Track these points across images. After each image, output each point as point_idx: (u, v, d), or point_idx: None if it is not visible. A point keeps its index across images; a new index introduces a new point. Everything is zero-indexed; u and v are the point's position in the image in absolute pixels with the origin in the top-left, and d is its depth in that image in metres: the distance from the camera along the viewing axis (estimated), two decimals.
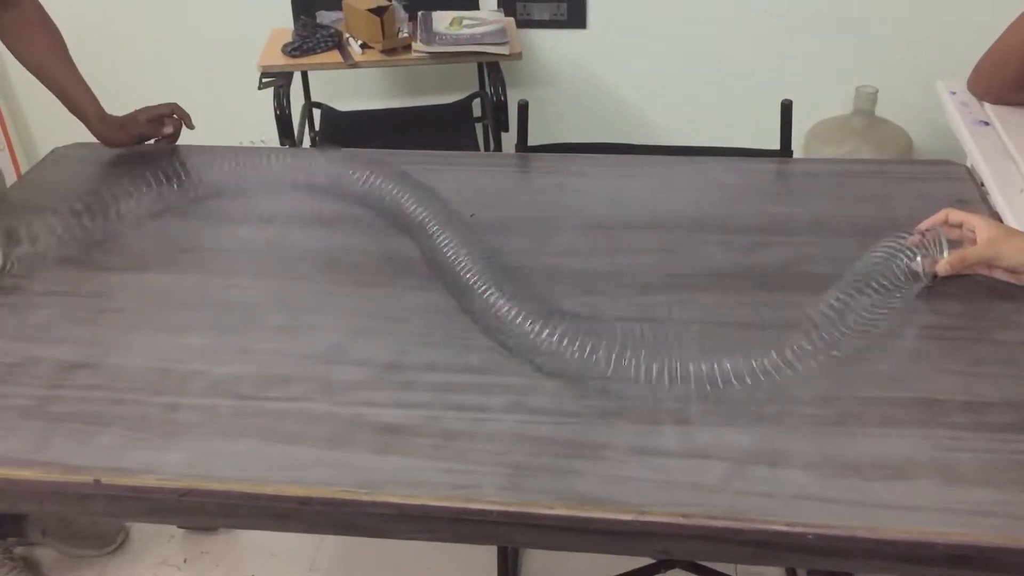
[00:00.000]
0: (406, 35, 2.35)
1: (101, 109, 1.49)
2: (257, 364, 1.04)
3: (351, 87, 2.80)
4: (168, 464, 0.91)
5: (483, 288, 1.07)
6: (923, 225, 1.14)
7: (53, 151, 1.54)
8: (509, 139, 2.00)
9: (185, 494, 0.89)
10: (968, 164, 1.48)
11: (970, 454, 0.88)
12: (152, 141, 1.53)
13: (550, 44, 2.70)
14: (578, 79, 2.75)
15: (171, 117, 1.53)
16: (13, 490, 0.92)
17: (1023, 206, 1.33)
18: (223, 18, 2.71)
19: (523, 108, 1.65)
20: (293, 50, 2.32)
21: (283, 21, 2.52)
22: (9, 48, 1.46)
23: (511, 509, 0.86)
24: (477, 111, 2.68)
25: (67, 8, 2.67)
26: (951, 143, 1.65)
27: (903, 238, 1.11)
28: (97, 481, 0.90)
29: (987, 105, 1.66)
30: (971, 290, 1.11)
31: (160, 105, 1.53)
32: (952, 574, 0.86)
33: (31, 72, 1.46)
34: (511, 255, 1.21)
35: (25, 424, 0.97)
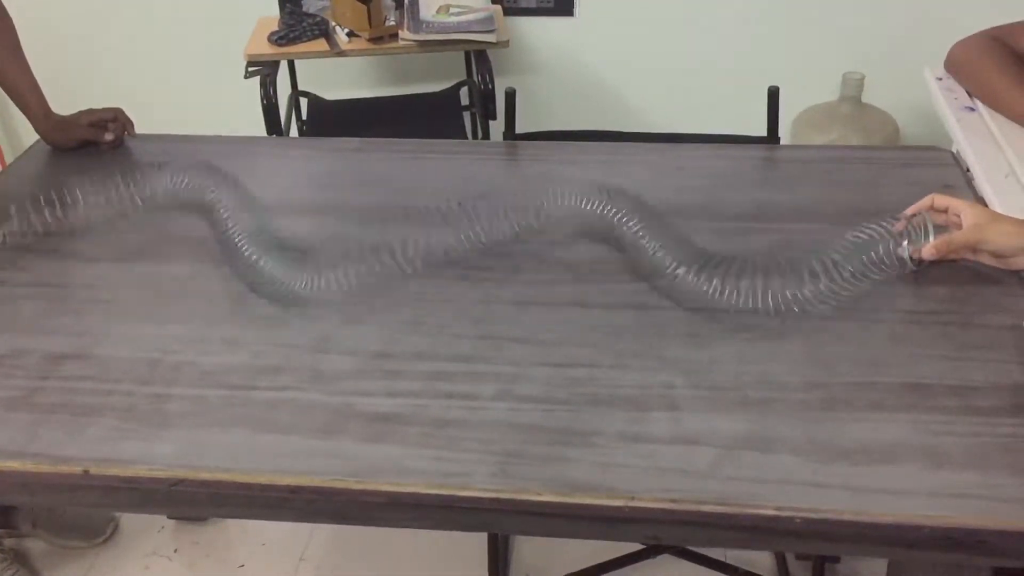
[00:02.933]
0: (393, 23, 2.34)
1: (47, 107, 1.48)
2: (246, 354, 1.04)
3: (338, 76, 2.79)
4: (158, 454, 0.91)
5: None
6: (909, 210, 1.15)
7: (38, 141, 1.53)
8: (497, 127, 2.00)
9: (176, 484, 0.89)
10: (954, 150, 1.49)
11: (957, 438, 0.89)
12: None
13: (537, 32, 2.69)
14: (565, 67, 2.74)
15: (114, 122, 1.49)
16: (2, 482, 0.92)
17: (1008, 191, 1.34)
18: (209, 7, 2.70)
19: (511, 96, 1.64)
20: (279, 39, 2.31)
21: (269, 10, 2.51)
22: None
23: (501, 496, 0.86)
24: (465, 99, 2.68)
25: None
26: (938, 129, 1.66)
27: (889, 223, 1.12)
28: (86, 472, 0.90)
29: None
30: (957, 275, 1.11)
31: (103, 109, 1.50)
32: (939, 557, 0.87)
33: None
34: (497, 243, 1.21)
35: (14, 416, 0.96)
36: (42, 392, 0.99)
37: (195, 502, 0.92)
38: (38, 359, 1.04)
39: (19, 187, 1.42)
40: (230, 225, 1.22)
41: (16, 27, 1.47)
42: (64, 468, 0.90)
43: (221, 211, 1.25)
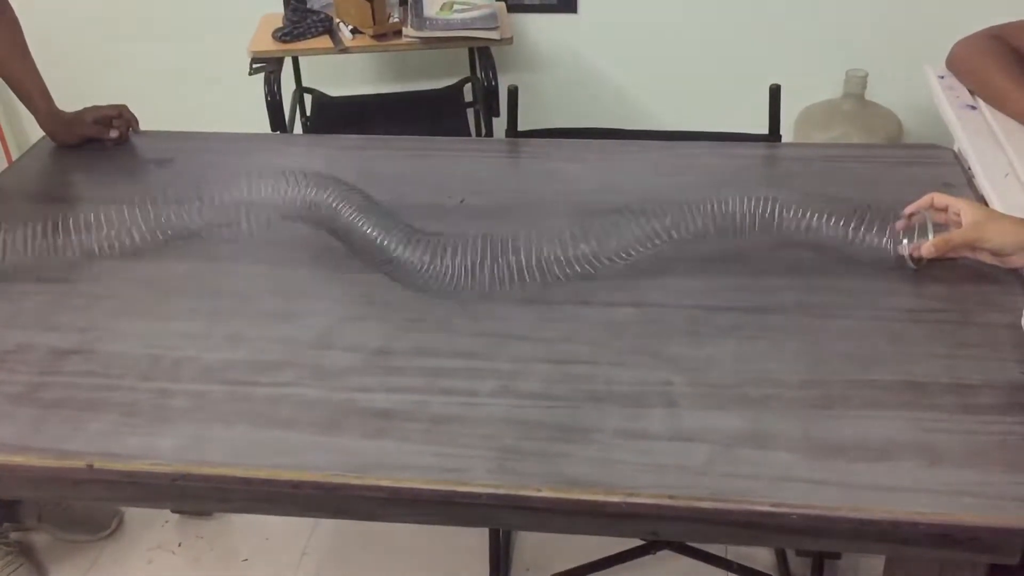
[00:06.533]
0: (397, 20, 2.34)
1: (52, 104, 1.49)
2: (248, 350, 1.05)
3: (342, 72, 2.79)
4: (161, 449, 0.92)
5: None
6: (909, 209, 1.16)
7: (43, 138, 1.54)
8: (500, 124, 2.00)
9: (178, 479, 0.90)
10: (955, 148, 1.49)
11: (952, 436, 0.90)
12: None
13: (541, 29, 2.69)
14: (568, 64, 2.75)
15: (118, 119, 1.50)
16: (8, 476, 0.94)
17: (1008, 190, 1.34)
18: (213, 4, 2.71)
19: (513, 93, 1.65)
20: (284, 35, 2.31)
21: (274, 7, 2.52)
22: None
23: (500, 492, 0.87)
24: (468, 96, 2.68)
25: None
26: (940, 127, 1.66)
27: (889, 222, 1.13)
28: (90, 466, 0.91)
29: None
30: (955, 273, 1.12)
31: (108, 106, 1.51)
32: (934, 553, 0.88)
33: None
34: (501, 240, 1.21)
35: (19, 410, 0.97)
36: (46, 387, 1.00)
37: (198, 496, 0.93)
38: (42, 355, 1.05)
39: (24, 184, 1.43)
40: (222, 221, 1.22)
41: (22, 25, 1.48)
42: (68, 462, 0.91)
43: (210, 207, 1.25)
